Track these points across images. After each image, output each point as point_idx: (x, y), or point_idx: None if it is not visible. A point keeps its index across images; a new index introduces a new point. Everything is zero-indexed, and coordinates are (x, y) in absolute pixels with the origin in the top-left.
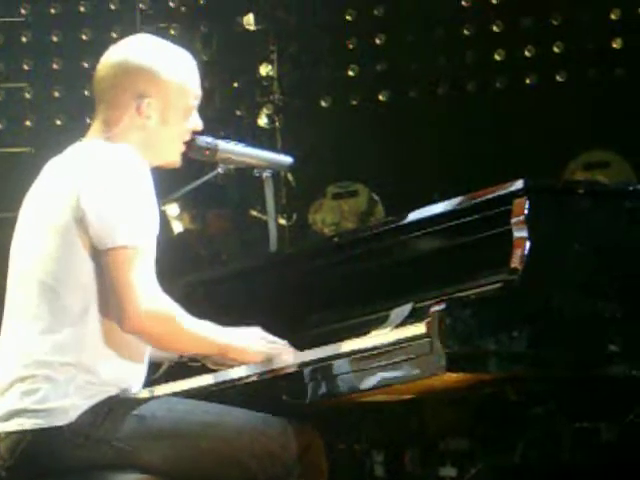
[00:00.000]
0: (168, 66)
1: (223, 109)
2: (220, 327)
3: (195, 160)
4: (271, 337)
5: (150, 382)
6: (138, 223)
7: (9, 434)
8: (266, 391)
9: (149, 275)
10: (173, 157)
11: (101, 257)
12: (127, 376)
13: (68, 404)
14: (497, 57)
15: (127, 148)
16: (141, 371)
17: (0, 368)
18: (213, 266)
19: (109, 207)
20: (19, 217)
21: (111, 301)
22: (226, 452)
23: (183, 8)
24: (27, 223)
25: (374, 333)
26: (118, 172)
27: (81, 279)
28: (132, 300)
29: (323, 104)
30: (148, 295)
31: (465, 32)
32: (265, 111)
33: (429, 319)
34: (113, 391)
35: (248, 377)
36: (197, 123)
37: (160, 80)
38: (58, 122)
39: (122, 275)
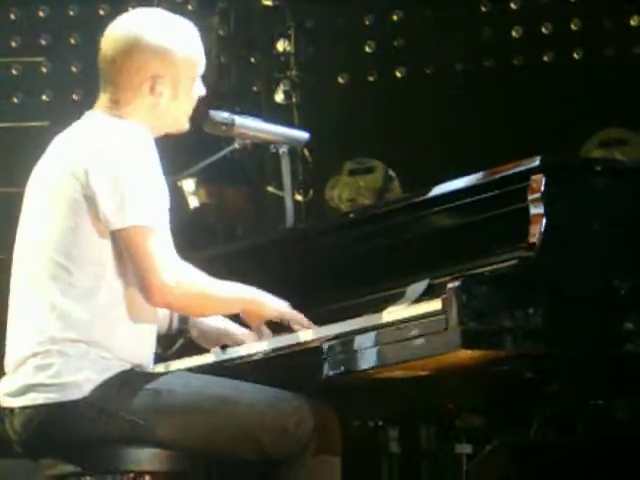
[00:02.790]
0: (177, 42)
1: (240, 84)
2: (239, 284)
3: (212, 135)
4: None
5: (164, 358)
6: (149, 200)
7: (23, 409)
8: (281, 367)
9: (168, 247)
10: (181, 125)
11: (115, 236)
12: (139, 351)
13: (82, 378)
14: (514, 34)
15: (134, 124)
16: (151, 347)
17: (13, 344)
18: (229, 241)
19: (119, 186)
20: (26, 192)
21: (134, 277)
22: (240, 427)
23: None
24: (35, 199)
25: (390, 309)
26: (126, 150)
27: (92, 255)
28: (156, 274)
29: (340, 80)
30: (171, 267)
31: (482, 8)
32: (282, 87)
33: (445, 295)
34: (126, 365)
35: (264, 352)
36: (202, 89)
37: (172, 58)
38: (75, 97)
39: (142, 252)
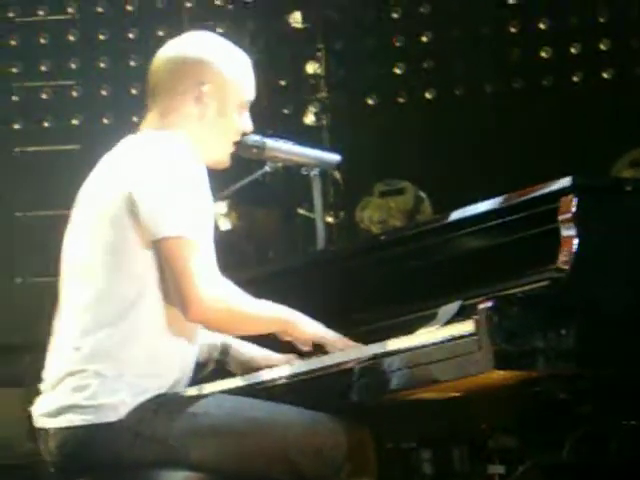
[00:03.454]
0: (227, 59)
1: (270, 107)
2: (275, 304)
3: (243, 158)
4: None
5: (198, 381)
6: (191, 214)
7: (59, 430)
8: (314, 389)
9: (207, 262)
10: (223, 155)
11: (155, 248)
12: (176, 374)
13: (117, 400)
14: (544, 55)
15: (180, 140)
16: (189, 367)
17: (53, 361)
18: (260, 264)
19: (161, 198)
20: (73, 212)
21: (172, 292)
22: (275, 449)
23: (230, 6)
24: (80, 218)
25: (422, 331)
26: (170, 163)
27: (134, 271)
28: (193, 288)
29: (370, 102)
30: (208, 282)
31: (511, 29)
32: (312, 109)
33: (477, 317)
34: (163, 388)
35: (298, 375)
36: (248, 124)
37: (220, 71)
38: (105, 120)
39: (181, 264)
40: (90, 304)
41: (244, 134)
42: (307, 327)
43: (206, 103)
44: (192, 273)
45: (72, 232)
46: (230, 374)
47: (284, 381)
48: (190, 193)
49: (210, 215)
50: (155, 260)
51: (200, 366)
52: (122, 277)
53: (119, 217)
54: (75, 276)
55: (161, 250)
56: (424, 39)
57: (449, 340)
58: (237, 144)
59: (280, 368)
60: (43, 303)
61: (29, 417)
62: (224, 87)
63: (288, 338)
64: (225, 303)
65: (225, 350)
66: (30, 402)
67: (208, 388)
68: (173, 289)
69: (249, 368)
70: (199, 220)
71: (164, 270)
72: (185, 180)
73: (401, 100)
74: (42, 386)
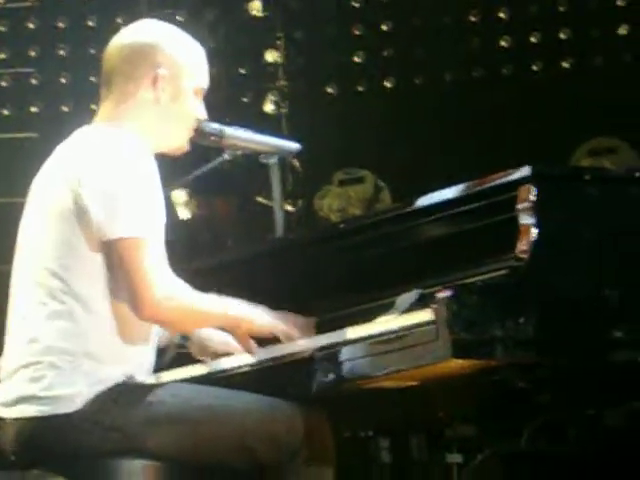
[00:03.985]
0: (181, 46)
1: (229, 95)
2: (227, 299)
3: (201, 146)
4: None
5: (156, 369)
6: (141, 212)
7: (15, 420)
8: (272, 377)
9: (159, 262)
10: (180, 141)
11: (107, 248)
12: (133, 364)
13: (74, 392)
14: (503, 44)
15: (131, 135)
16: (148, 359)
17: (8, 354)
18: (219, 252)
19: (111, 198)
20: (26, 203)
21: (126, 291)
22: (231, 436)
23: None
24: (33, 210)
25: (380, 319)
26: (120, 161)
27: (86, 267)
28: (147, 289)
29: (329, 90)
30: (160, 281)
31: (471, 18)
32: (271, 97)
33: (435, 305)
34: (119, 378)
35: (255, 363)
36: (202, 112)
37: (174, 56)
38: (64, 108)
39: (133, 265)
40: (44, 298)
41: (199, 121)
42: (261, 320)
43: (162, 87)
44: (143, 273)
45: (25, 226)
46: (190, 361)
47: (242, 369)
48: (140, 190)
49: (162, 210)
50: (106, 257)
51: (161, 351)
52: (74, 273)
53: (69, 215)
54: (29, 270)
55: (112, 250)
56: (384, 27)
57: (407, 329)
58: (195, 131)
59: (238, 356)
60: (3, 289)
61: None
62: (178, 72)
63: (241, 333)
64: (177, 301)
65: (185, 335)
66: None
67: (166, 377)
68: (125, 288)
69: (209, 353)
70: (150, 217)
71: (114, 269)
72: (135, 178)
73: (360, 89)
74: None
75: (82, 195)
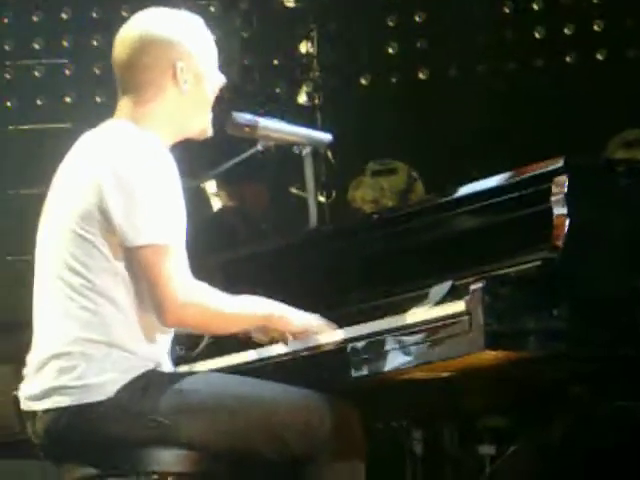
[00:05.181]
0: (186, 31)
1: (263, 86)
2: (258, 298)
3: (235, 137)
4: (309, 314)
5: (189, 359)
6: (164, 218)
7: (46, 412)
8: (305, 368)
9: (181, 268)
10: (206, 124)
11: (130, 254)
12: (159, 354)
13: (105, 379)
14: (537, 35)
15: (153, 137)
16: (165, 347)
17: (36, 346)
18: (252, 243)
19: (134, 204)
20: (48, 196)
21: (149, 297)
22: (263, 425)
23: None
24: (55, 206)
25: (414, 310)
26: (142, 165)
27: (108, 267)
28: (168, 296)
29: (362, 82)
30: (183, 288)
31: (505, 10)
32: (305, 89)
33: (469, 297)
34: (150, 365)
35: (288, 354)
36: (222, 78)
37: (185, 45)
38: (98, 99)
39: (156, 272)
40: (70, 292)
41: (221, 89)
42: (295, 320)
43: (183, 79)
44: (166, 280)
45: (47, 222)
46: (222, 353)
47: (276, 360)
48: (162, 196)
49: (183, 214)
50: (126, 259)
51: (190, 341)
52: (95, 272)
53: (92, 218)
54: (51, 265)
55: (134, 256)
56: (417, 19)
57: (441, 320)
58: (230, 123)
59: (272, 347)
60: (28, 281)
61: (15, 401)
62: (194, 58)
63: (273, 332)
64: (201, 306)
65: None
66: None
67: (199, 366)
68: (148, 294)
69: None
70: (171, 223)
71: (137, 274)
72: (157, 183)
73: (394, 80)
74: (25, 370)
75: (105, 199)
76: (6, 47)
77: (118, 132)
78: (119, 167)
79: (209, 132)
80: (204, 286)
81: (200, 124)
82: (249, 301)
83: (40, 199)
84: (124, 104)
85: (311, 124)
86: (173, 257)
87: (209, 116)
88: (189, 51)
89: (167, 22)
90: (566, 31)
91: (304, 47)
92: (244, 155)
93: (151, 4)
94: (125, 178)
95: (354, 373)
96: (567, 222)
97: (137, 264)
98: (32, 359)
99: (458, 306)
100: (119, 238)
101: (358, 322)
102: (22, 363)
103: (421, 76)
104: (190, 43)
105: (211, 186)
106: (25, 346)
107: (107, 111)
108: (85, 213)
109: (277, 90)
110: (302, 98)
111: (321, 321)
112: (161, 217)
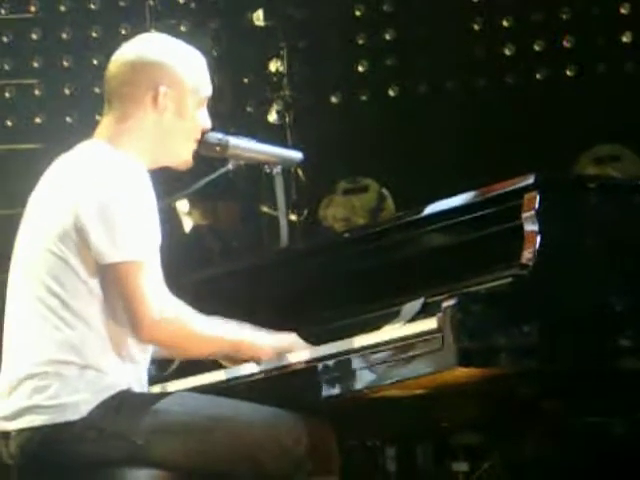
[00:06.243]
0: (182, 61)
1: (233, 105)
2: (231, 323)
3: (205, 156)
4: (280, 336)
5: (162, 379)
6: (139, 235)
7: (20, 432)
8: (278, 387)
9: (156, 285)
10: (186, 155)
11: (105, 271)
12: (132, 376)
13: (79, 399)
14: (507, 52)
15: (129, 157)
16: (143, 373)
17: (8, 366)
18: (224, 261)
19: (109, 222)
20: (24, 216)
21: (125, 313)
22: (237, 446)
23: (193, 4)
24: (31, 226)
25: (386, 328)
26: (118, 185)
27: (84, 286)
28: (143, 312)
29: (333, 100)
30: (159, 304)
31: (475, 27)
32: (275, 107)
33: (440, 314)
34: (124, 385)
35: (260, 373)
36: (207, 121)
37: (175, 72)
38: (68, 119)
39: (130, 289)
40: (45, 312)
41: (204, 131)
42: (261, 346)
43: (164, 105)
44: (141, 297)
45: (22, 241)
46: (195, 371)
47: (248, 379)
48: (137, 214)
49: (157, 231)
50: (102, 277)
51: (166, 362)
52: (71, 292)
53: (67, 236)
54: (27, 284)
55: (110, 273)
56: (387, 36)
57: (413, 337)
58: (200, 142)
59: (244, 366)
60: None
61: None
62: (181, 87)
63: (242, 358)
64: (176, 324)
65: None
66: None
67: (171, 386)
68: (124, 310)
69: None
70: (147, 240)
71: (113, 291)
72: (132, 201)
73: (364, 98)
74: None
75: (81, 218)
76: None
77: (94, 153)
78: (95, 187)
79: (187, 164)
80: (179, 304)
81: (181, 154)
82: (221, 325)
83: (10, 220)
84: (105, 122)
85: (282, 143)
86: (149, 274)
87: (189, 149)
88: (179, 80)
89: (166, 47)
90: (536, 47)
91: (274, 65)
92: (215, 174)
93: (120, 24)
94: (101, 197)
95: (326, 392)
96: (538, 239)
97: (112, 281)
98: (4, 379)
99: (430, 323)
100: (94, 256)
101: (330, 340)
102: None
103: (391, 93)
104: (183, 75)
105: (183, 205)
106: None
107: (78, 131)
108: (62, 233)
109: (247, 109)
110: (272, 117)
111: (295, 339)
112: (136, 234)
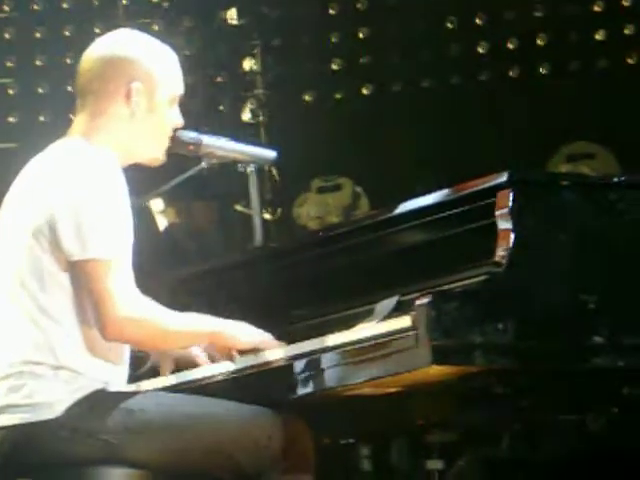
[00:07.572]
0: (155, 57)
1: (206, 104)
2: (205, 316)
3: (179, 155)
4: (257, 330)
5: (136, 377)
6: (109, 232)
7: None
8: (253, 385)
9: (125, 282)
10: (157, 152)
11: (75, 268)
12: (109, 375)
13: (54, 399)
14: (480, 50)
15: (102, 152)
16: (122, 371)
17: None
18: (199, 260)
19: (79, 218)
20: (0, 215)
21: (92, 311)
22: (213, 444)
23: (165, 3)
24: (5, 224)
25: (360, 326)
26: (90, 181)
27: (57, 285)
28: (110, 310)
29: (307, 98)
30: (125, 302)
31: (448, 25)
32: (249, 105)
33: (414, 312)
34: (98, 385)
35: (235, 371)
36: (179, 119)
37: (148, 69)
38: (42, 118)
39: (97, 287)
40: (19, 312)
41: (176, 129)
42: (239, 335)
43: (136, 101)
44: (109, 294)
45: (0, 241)
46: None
47: (222, 377)
48: (109, 211)
49: (129, 229)
50: (73, 278)
51: (140, 360)
52: (44, 291)
53: (40, 234)
54: (1, 283)
55: (79, 270)
56: (360, 35)
57: (387, 335)
58: (172, 140)
59: (218, 365)
60: None
61: None
62: (153, 83)
63: (221, 349)
64: (143, 322)
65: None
66: None
67: (145, 385)
68: (92, 308)
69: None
70: (117, 237)
71: (82, 289)
72: (104, 198)
73: (338, 96)
74: None
75: (54, 215)
76: None
77: (68, 149)
78: (68, 183)
79: (159, 161)
80: (149, 302)
81: (152, 151)
82: (195, 319)
83: None
84: (79, 119)
85: (255, 141)
86: (118, 272)
87: (161, 146)
88: (151, 77)
89: (140, 43)
90: (509, 45)
91: (248, 64)
92: (188, 173)
93: (93, 23)
94: (73, 194)
95: (300, 390)
96: (511, 236)
97: (82, 278)
98: None
99: (404, 321)
100: (66, 253)
101: (304, 339)
102: None
103: (365, 91)
104: (155, 71)
105: (157, 204)
106: None
107: (52, 131)
108: (36, 230)
109: (221, 107)
110: (246, 115)
111: (269, 338)
112: (107, 232)
